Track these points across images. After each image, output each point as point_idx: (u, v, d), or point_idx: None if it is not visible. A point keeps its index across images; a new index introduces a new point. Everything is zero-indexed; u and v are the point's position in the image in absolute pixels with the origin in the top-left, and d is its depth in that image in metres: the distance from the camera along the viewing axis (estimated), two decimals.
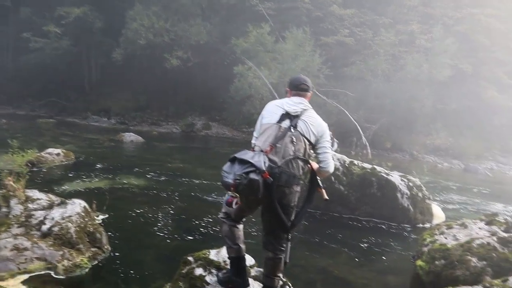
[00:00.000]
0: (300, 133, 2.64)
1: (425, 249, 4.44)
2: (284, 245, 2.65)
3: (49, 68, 23.62)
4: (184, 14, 21.05)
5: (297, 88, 2.83)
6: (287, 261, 2.68)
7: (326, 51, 20.03)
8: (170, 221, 5.84)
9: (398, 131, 19.95)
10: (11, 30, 24.31)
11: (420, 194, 6.92)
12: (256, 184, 2.29)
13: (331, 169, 2.81)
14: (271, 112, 2.78)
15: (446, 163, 18.20)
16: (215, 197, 7.53)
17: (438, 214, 7.15)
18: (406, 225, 6.74)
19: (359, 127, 17.42)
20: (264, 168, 2.33)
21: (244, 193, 2.36)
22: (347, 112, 17.87)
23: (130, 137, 14.45)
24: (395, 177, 7.00)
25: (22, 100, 24.25)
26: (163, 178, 8.55)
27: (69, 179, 7.80)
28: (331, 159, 2.77)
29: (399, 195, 6.77)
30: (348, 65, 20.42)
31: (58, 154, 9.28)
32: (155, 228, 5.48)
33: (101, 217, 5.54)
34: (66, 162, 9.22)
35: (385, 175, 6.91)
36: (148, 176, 8.72)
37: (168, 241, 5.10)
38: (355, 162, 7.25)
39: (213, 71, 23.20)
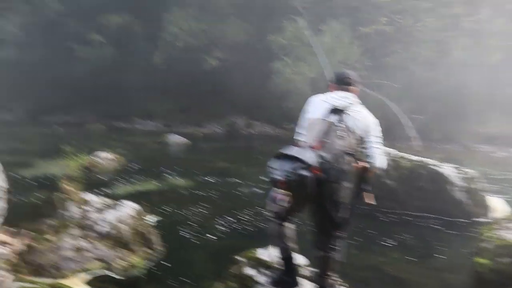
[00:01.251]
0: (348, 128, 2.56)
1: (486, 245, 4.18)
2: (335, 243, 2.58)
3: (95, 75, 24.68)
4: (220, 14, 21.24)
5: (342, 82, 2.77)
6: (342, 260, 2.62)
7: (364, 42, 19.46)
8: (217, 221, 5.91)
9: (447, 121, 19.02)
10: (59, 42, 25.63)
11: (475, 186, 6.55)
12: (307, 180, 2.25)
13: (380, 165, 2.71)
14: (317, 107, 2.72)
15: (503, 153, 17.11)
16: (260, 196, 7.54)
17: (498, 207, 6.72)
18: (461, 220, 6.39)
19: (403, 119, 16.81)
20: (314, 164, 2.28)
21: (293, 189, 2.30)
22: (390, 104, 17.30)
23: (175, 139, 14.80)
24: (447, 169, 6.67)
25: (72, 107, 25.51)
26: (209, 178, 8.68)
27: (120, 181, 8.11)
28: (379, 154, 2.68)
29: (452, 188, 6.44)
30: (389, 55, 19.71)
31: (108, 158, 9.67)
32: (203, 228, 5.56)
33: (151, 218, 5.71)
34: (116, 166, 9.58)
35: (435, 168, 6.60)
36: (194, 176, 8.88)
37: (216, 241, 5.16)
38: (403, 155, 6.99)
39: (251, 69, 23.24)
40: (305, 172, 2.25)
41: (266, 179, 8.36)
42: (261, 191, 7.80)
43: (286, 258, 2.67)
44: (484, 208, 6.55)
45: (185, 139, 15.12)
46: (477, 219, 6.41)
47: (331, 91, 2.79)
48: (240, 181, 8.63)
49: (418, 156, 7.25)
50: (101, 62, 23.19)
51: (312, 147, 2.45)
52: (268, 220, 2.76)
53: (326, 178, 2.37)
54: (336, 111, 2.62)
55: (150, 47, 22.86)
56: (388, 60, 19.30)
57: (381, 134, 2.78)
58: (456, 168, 6.82)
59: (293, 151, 2.39)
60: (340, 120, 2.57)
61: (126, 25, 22.04)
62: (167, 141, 14.60)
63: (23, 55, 24.76)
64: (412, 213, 6.58)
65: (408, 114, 17.58)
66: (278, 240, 2.68)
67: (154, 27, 22.38)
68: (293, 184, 2.27)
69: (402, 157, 6.85)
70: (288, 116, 20.18)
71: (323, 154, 2.45)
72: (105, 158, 9.63)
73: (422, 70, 18.62)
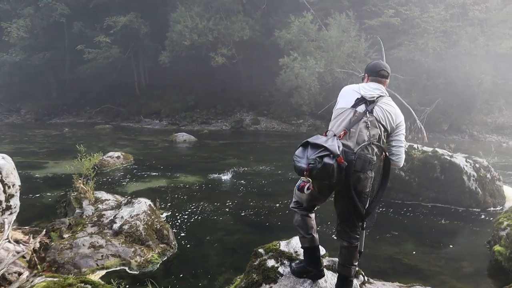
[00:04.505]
0: (376, 119, 2.54)
1: (503, 233, 4.15)
2: (359, 233, 2.57)
3: (102, 76, 24.87)
4: (226, 11, 21.23)
5: (377, 74, 2.73)
6: (361, 250, 2.60)
7: (371, 35, 19.34)
8: (229, 215, 5.93)
9: (455, 112, 18.88)
10: (67, 45, 25.85)
11: (488, 176, 6.50)
12: (331, 169, 2.23)
13: (402, 164, 2.71)
14: (346, 96, 2.70)
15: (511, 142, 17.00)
16: (270, 190, 7.56)
17: (511, 196, 6.68)
18: (474, 209, 6.37)
19: (412, 111, 16.68)
20: (338, 152, 2.26)
21: (317, 177, 2.28)
22: (398, 96, 17.16)
23: (182, 136, 14.85)
24: (459, 159, 6.62)
25: (80, 108, 25.76)
26: (218, 174, 8.70)
27: (131, 179, 8.17)
28: (404, 153, 2.68)
29: (465, 177, 6.40)
30: (395, 47, 19.58)
31: (118, 157, 9.75)
32: (216, 223, 5.59)
33: (164, 214, 5.75)
34: (126, 164, 9.66)
35: (448, 158, 6.56)
36: (204, 173, 8.91)
37: (230, 235, 5.18)
38: (415, 146, 6.95)
39: (258, 65, 23.25)
40: (328, 160, 2.24)
41: (275, 173, 8.36)
42: (270, 186, 7.82)
43: (312, 248, 2.67)
44: (497, 197, 6.50)
45: (192, 136, 15.17)
46: (490, 209, 6.39)
47: (365, 81, 2.77)
48: (250, 176, 8.64)
49: (429, 147, 7.20)
50: (108, 63, 23.31)
51: (338, 136, 2.44)
52: (293, 211, 2.76)
53: (351, 167, 2.36)
54: (366, 101, 2.61)
55: (156, 46, 22.93)
56: (395, 52, 19.15)
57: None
58: (468, 158, 6.78)
59: (318, 139, 2.37)
60: (368, 110, 2.55)
61: (132, 25, 22.10)
62: (175, 139, 14.65)
63: (30, 58, 24.99)
64: (425, 204, 6.56)
65: (416, 106, 17.45)
66: (303, 230, 2.67)
67: (161, 27, 22.46)
68: (317, 172, 2.26)
69: (414, 148, 6.80)
70: (295, 112, 20.19)
71: (349, 143, 2.44)
72: (115, 157, 9.71)
73: (430, 61, 18.44)
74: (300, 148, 2.41)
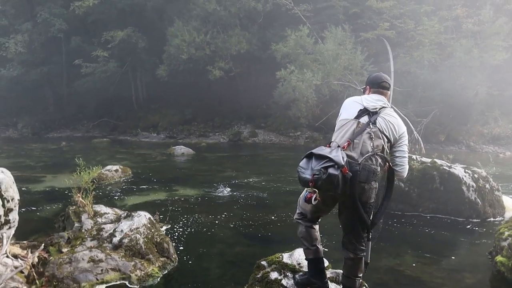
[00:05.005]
0: (379, 130, 2.56)
1: (505, 243, 4.14)
2: (365, 244, 2.56)
3: (99, 90, 24.93)
4: (223, 25, 21.43)
5: (379, 86, 2.76)
6: (368, 261, 2.59)
7: (367, 47, 19.55)
8: (229, 228, 5.90)
9: (452, 123, 19.00)
10: (64, 59, 25.98)
11: (487, 186, 6.52)
12: (336, 179, 2.24)
13: (406, 174, 2.73)
14: (349, 107, 2.72)
15: (508, 152, 17.06)
16: (269, 202, 7.54)
17: (511, 207, 6.69)
18: (474, 220, 6.37)
19: (409, 122, 16.76)
20: (343, 163, 2.27)
21: (323, 188, 2.29)
22: (395, 108, 17.29)
23: (180, 150, 14.84)
24: (458, 169, 6.64)
25: (77, 122, 25.75)
26: (217, 187, 8.68)
27: (129, 193, 8.13)
28: (407, 164, 2.70)
29: (464, 188, 6.41)
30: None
31: (116, 171, 9.71)
32: (217, 236, 5.55)
33: (164, 227, 5.71)
34: (124, 178, 9.62)
35: (447, 168, 6.58)
36: (202, 186, 8.89)
37: (230, 248, 5.14)
38: (414, 157, 6.97)
39: (255, 78, 23.41)
40: (333, 171, 2.25)
41: (274, 185, 8.34)
42: (268, 198, 7.80)
43: (316, 260, 2.66)
44: (497, 207, 6.51)
45: (190, 149, 15.16)
46: (490, 219, 6.39)
47: (367, 93, 2.79)
48: (248, 189, 8.62)
49: (427, 157, 7.22)
50: (105, 77, 23.40)
51: (341, 147, 2.45)
52: (297, 223, 2.75)
53: (355, 178, 2.37)
54: (369, 112, 2.64)
55: (154, 60, 23.06)
56: (391, 64, 19.32)
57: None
58: (466, 168, 6.80)
59: (322, 150, 2.39)
60: (371, 121, 2.57)
61: (130, 40, 22.26)
62: (173, 152, 14.64)
63: (28, 73, 25.07)
64: (425, 214, 6.56)
65: (412, 117, 17.56)
66: (308, 242, 2.66)
67: (158, 41, 22.61)
68: (322, 183, 2.26)
69: (412, 159, 6.82)
70: (293, 124, 20.24)
71: (353, 154, 2.45)
72: (114, 170, 9.67)
73: (425, 73, 18.63)
74: (304, 160, 2.42)
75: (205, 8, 20.54)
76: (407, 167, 2.69)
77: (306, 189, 2.36)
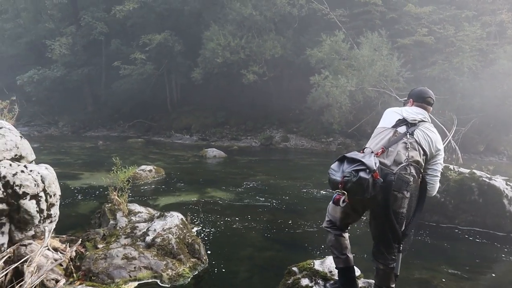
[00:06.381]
0: (416, 141, 2.53)
1: None
2: (395, 255, 2.51)
3: (136, 92, 25.67)
4: (258, 30, 21.58)
5: (423, 101, 2.76)
6: (397, 273, 2.54)
7: (404, 53, 19.12)
8: (259, 232, 5.91)
9: (492, 132, 18.21)
10: (104, 61, 27.00)
11: None
12: (366, 183, 2.22)
13: (434, 194, 2.71)
14: (388, 117, 2.73)
15: None
16: (300, 208, 7.49)
17: None
18: None
19: (446, 131, 16.21)
20: (375, 168, 2.26)
21: (352, 191, 2.28)
22: (431, 116, 16.77)
23: (213, 152, 15.01)
24: (498, 181, 6.36)
25: (114, 122, 26.62)
26: (248, 191, 8.72)
27: (162, 193, 8.31)
28: (438, 183, 2.67)
29: (505, 201, 6.13)
30: (429, 66, 19.25)
31: (150, 171, 9.95)
32: (246, 239, 5.57)
33: (195, 229, 5.79)
34: (157, 178, 9.84)
35: (487, 180, 6.32)
36: (234, 189, 8.95)
37: (260, 252, 5.15)
38: (451, 167, 6.74)
39: (288, 83, 23.37)
40: (364, 175, 2.24)
41: (305, 191, 8.27)
42: (300, 203, 7.75)
43: (346, 269, 2.63)
44: None
45: (222, 152, 15.31)
46: None
47: (409, 106, 2.79)
48: (279, 193, 8.61)
49: (466, 168, 6.97)
50: (142, 79, 24.08)
51: (375, 153, 2.44)
52: (326, 231, 2.73)
53: (390, 187, 2.35)
54: (407, 123, 2.62)
55: (189, 63, 23.52)
56: (428, 71, 18.81)
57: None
58: (508, 181, 6.50)
59: (355, 155, 2.39)
60: (409, 132, 2.55)
61: (167, 43, 22.83)
62: (205, 154, 14.83)
63: (70, 74, 26.19)
64: (461, 227, 6.32)
65: (450, 126, 16.97)
66: (337, 251, 2.64)
67: (194, 45, 23.05)
68: (351, 185, 2.25)
69: (449, 169, 6.60)
70: (326, 130, 20.05)
71: (386, 161, 2.43)
72: (148, 170, 9.92)
73: (465, 80, 17.98)
74: (337, 163, 2.43)
75: (241, 13, 20.75)
76: (437, 186, 2.65)
77: (335, 191, 2.34)
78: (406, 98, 2.95)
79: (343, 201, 2.29)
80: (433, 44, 19.95)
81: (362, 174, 2.23)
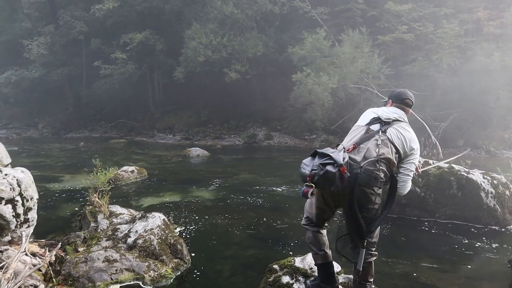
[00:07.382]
0: (388, 139, 2.58)
1: None
2: (371, 249, 2.55)
3: (117, 92, 25.37)
4: (239, 28, 21.54)
5: (402, 102, 2.84)
6: (360, 268, 2.56)
7: (384, 50, 19.37)
8: (242, 230, 5.90)
9: (471, 127, 18.61)
10: (84, 61, 26.55)
11: (507, 193, 6.36)
12: (331, 176, 2.30)
13: (405, 193, 2.75)
14: (364, 116, 2.84)
15: None
16: (283, 206, 7.52)
17: None
18: (493, 227, 6.22)
19: (427, 126, 16.50)
20: (341, 162, 2.33)
21: (319, 184, 2.36)
22: (412, 111, 17.02)
23: (196, 151, 14.94)
24: (476, 175, 6.51)
25: (95, 123, 26.24)
26: (232, 189, 8.71)
27: (144, 194, 8.22)
28: (409, 184, 2.70)
29: (483, 194, 6.28)
30: (409, 63, 19.55)
31: (132, 171, 9.84)
32: (230, 238, 5.56)
33: (178, 229, 5.75)
34: (140, 179, 9.74)
35: (465, 174, 6.46)
36: (217, 188, 8.93)
37: (243, 250, 5.15)
38: (430, 161, 6.84)
39: (271, 81, 23.42)
40: (331, 168, 2.31)
41: (288, 189, 8.30)
42: (284, 201, 7.78)
43: (325, 264, 2.66)
44: None
45: (206, 151, 15.26)
46: (510, 226, 6.24)
47: (388, 106, 2.85)
48: (263, 191, 8.62)
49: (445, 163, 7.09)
50: (123, 78, 23.79)
51: (346, 150, 2.50)
52: (304, 228, 2.77)
53: (355, 180, 2.40)
54: (381, 121, 2.68)
55: (171, 62, 23.33)
56: (409, 68, 19.11)
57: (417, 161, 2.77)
58: (485, 174, 6.66)
59: (326, 150, 2.46)
60: (382, 130, 2.60)
61: (148, 42, 22.60)
62: (189, 154, 14.75)
63: (49, 74, 25.68)
64: (442, 221, 6.44)
65: (430, 122, 17.29)
66: (315, 247, 2.68)
67: (175, 43, 22.88)
68: (318, 178, 2.32)
69: (429, 164, 6.70)
70: (309, 127, 20.17)
71: (356, 157, 2.47)
72: (130, 171, 9.80)
73: (444, 76, 18.33)
74: (309, 157, 2.50)
75: (222, 11, 20.67)
76: (408, 186, 2.68)
77: (304, 184, 2.40)
78: (386, 99, 3.01)
79: (311, 194, 2.35)
80: (413, 41, 20.25)
81: (329, 167, 2.31)
